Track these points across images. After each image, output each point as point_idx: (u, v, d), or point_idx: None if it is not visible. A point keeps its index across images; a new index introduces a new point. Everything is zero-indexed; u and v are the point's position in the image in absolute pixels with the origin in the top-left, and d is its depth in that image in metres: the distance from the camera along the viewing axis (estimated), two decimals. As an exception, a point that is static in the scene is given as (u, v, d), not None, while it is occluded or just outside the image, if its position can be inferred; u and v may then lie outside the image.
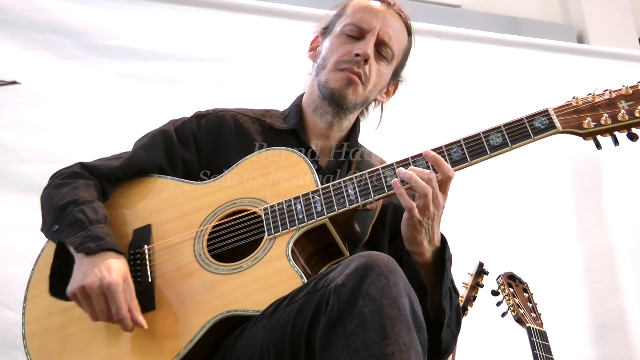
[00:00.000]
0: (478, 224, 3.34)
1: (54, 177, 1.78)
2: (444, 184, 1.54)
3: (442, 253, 1.63)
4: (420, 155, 1.58)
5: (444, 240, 1.64)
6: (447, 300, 1.64)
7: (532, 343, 2.38)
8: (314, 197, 1.60)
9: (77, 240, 1.59)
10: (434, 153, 1.56)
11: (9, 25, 2.87)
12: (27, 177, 2.68)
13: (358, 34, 1.79)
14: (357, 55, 1.75)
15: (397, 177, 1.56)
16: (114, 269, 1.54)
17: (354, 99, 1.79)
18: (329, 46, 1.83)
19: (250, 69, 3.21)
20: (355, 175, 1.62)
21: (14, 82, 2.82)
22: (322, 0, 3.65)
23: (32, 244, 2.54)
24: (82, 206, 1.65)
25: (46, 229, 1.71)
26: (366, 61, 1.76)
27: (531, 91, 3.66)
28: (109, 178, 1.76)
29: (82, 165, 1.79)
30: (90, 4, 3.03)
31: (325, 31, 1.89)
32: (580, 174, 3.61)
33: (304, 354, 1.33)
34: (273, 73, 3.22)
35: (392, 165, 1.60)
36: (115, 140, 2.73)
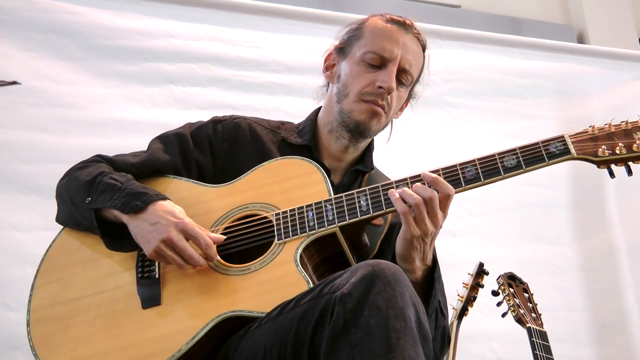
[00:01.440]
0: (478, 224, 3.34)
1: (73, 166, 1.81)
2: (442, 202, 1.55)
3: (432, 272, 1.63)
4: (435, 172, 1.60)
5: (435, 260, 1.65)
6: (432, 320, 1.64)
7: (532, 343, 2.38)
8: (326, 206, 1.62)
9: (118, 202, 1.63)
10: (430, 174, 1.57)
11: (9, 25, 2.87)
12: (27, 177, 2.69)
13: (379, 62, 1.79)
14: (381, 87, 1.76)
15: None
16: (175, 212, 1.61)
17: (376, 129, 1.83)
18: (349, 72, 1.82)
19: (251, 69, 3.21)
20: (369, 187, 1.63)
21: (14, 82, 2.82)
22: (322, 0, 3.65)
23: (32, 244, 2.55)
24: (109, 174, 1.69)
25: (75, 207, 1.72)
26: (389, 93, 1.77)
27: (531, 91, 3.67)
28: (125, 172, 1.77)
29: (100, 156, 1.82)
30: (90, 4, 3.03)
31: (341, 51, 1.87)
32: (580, 174, 3.61)
33: (306, 357, 1.33)
34: (273, 73, 3.23)
35: (405, 179, 1.62)
36: (115, 140, 2.74)
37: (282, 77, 3.20)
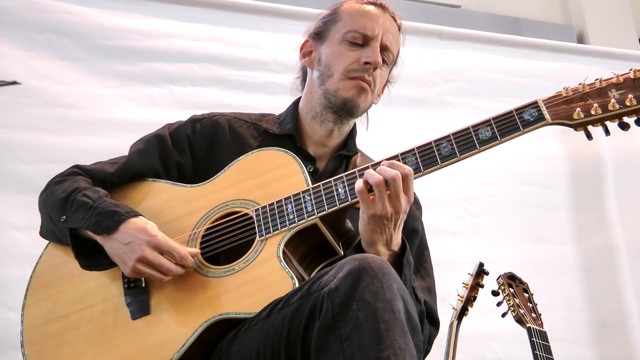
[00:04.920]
0: (478, 224, 3.34)
1: (52, 179, 1.80)
2: (403, 183, 1.52)
3: (400, 257, 1.61)
4: (411, 151, 1.58)
5: (404, 247, 1.63)
6: None
7: (532, 343, 2.38)
8: (304, 197, 1.60)
9: (90, 222, 1.61)
10: (387, 160, 1.56)
11: (9, 25, 2.88)
12: (27, 177, 2.68)
13: (362, 41, 1.77)
14: (367, 63, 1.74)
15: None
16: (147, 228, 1.59)
17: (364, 107, 1.80)
18: (331, 53, 1.80)
19: (251, 69, 3.21)
20: (346, 173, 1.61)
21: (14, 82, 2.82)
22: (322, 0, 3.65)
23: (32, 244, 2.54)
24: (83, 191, 1.68)
25: (53, 224, 1.71)
26: (374, 68, 1.76)
27: (531, 91, 3.66)
28: (104, 183, 1.76)
29: (78, 166, 1.80)
30: (90, 4, 3.03)
31: (318, 36, 1.85)
32: (580, 174, 3.61)
33: (299, 357, 1.33)
34: (273, 73, 3.23)
35: (381, 162, 1.59)
36: (115, 140, 2.74)
37: (282, 77, 3.19)
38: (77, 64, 2.94)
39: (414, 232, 1.83)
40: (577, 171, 3.61)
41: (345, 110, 1.78)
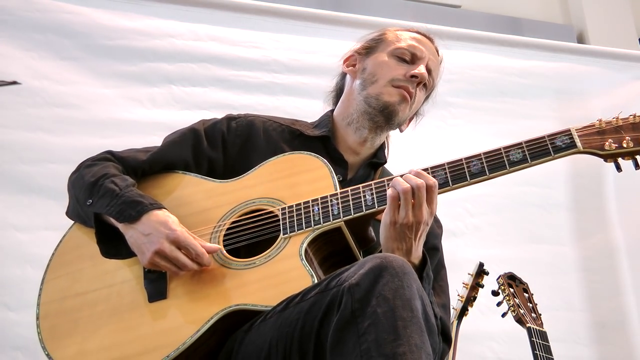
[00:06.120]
0: (478, 224, 3.34)
1: (84, 162, 1.82)
2: (428, 193, 1.55)
3: (420, 272, 1.62)
4: (441, 165, 1.61)
5: (424, 261, 1.64)
6: None
7: (532, 343, 2.38)
8: (331, 200, 1.62)
9: (114, 209, 1.64)
10: (416, 169, 1.59)
11: (9, 25, 2.88)
12: (27, 177, 2.68)
13: (409, 58, 1.85)
14: (414, 76, 1.82)
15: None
16: (168, 222, 1.62)
17: (402, 116, 1.85)
18: (378, 63, 1.87)
19: (251, 69, 3.21)
20: (375, 181, 1.64)
21: (14, 82, 2.82)
22: (322, 0, 3.66)
23: (32, 244, 2.55)
24: (111, 177, 1.71)
25: (79, 206, 1.74)
26: (418, 84, 1.82)
27: (531, 91, 3.67)
28: (135, 170, 1.79)
29: (111, 152, 1.84)
30: (90, 4, 3.04)
31: (365, 51, 1.92)
32: (580, 174, 3.61)
33: (312, 351, 1.34)
34: (273, 73, 3.23)
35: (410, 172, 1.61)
36: (115, 140, 2.74)
37: (282, 77, 3.20)
38: (77, 64, 2.94)
39: (434, 250, 1.85)
40: (577, 171, 3.61)
41: (384, 114, 1.82)
